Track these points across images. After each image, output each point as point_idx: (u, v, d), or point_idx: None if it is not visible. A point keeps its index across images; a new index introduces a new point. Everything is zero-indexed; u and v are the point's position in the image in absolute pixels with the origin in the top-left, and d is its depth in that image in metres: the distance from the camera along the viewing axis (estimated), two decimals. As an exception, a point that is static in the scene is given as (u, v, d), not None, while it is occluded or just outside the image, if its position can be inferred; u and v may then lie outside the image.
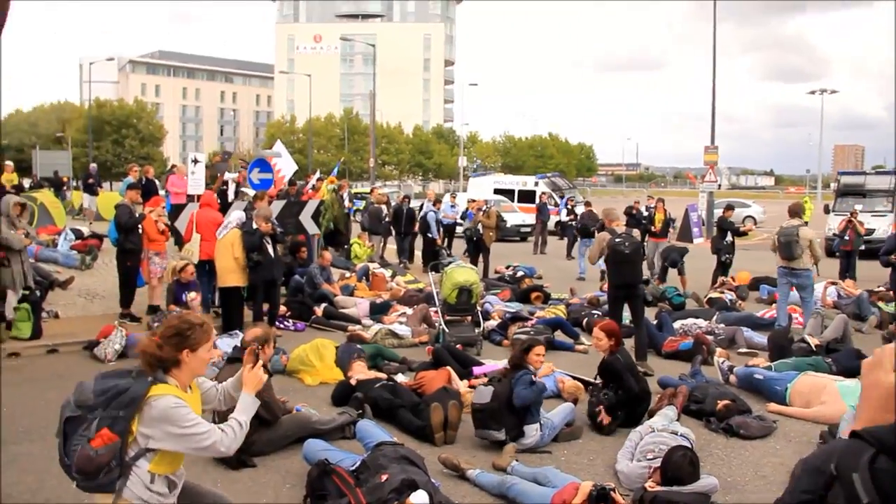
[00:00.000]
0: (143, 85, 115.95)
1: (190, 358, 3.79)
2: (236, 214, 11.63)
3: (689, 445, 6.10)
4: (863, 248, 19.33)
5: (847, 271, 17.86)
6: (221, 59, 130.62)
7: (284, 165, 17.32)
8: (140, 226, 11.67)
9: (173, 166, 19.67)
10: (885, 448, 1.16)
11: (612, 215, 10.46)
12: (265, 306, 11.43)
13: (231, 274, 11.00)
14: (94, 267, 15.67)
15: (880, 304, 14.00)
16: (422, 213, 20.06)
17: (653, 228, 18.91)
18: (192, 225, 12.35)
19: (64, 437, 3.69)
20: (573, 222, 25.01)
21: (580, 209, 30.59)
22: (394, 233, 20.75)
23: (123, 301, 11.77)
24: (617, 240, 9.65)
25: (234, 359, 6.72)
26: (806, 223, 12.20)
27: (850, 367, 9.01)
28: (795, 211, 12.23)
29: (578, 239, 20.63)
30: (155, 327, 10.66)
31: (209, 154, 23.65)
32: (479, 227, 18.60)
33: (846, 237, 18.39)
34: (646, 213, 24.41)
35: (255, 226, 11.03)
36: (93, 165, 28.24)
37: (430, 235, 20.04)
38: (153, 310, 11.79)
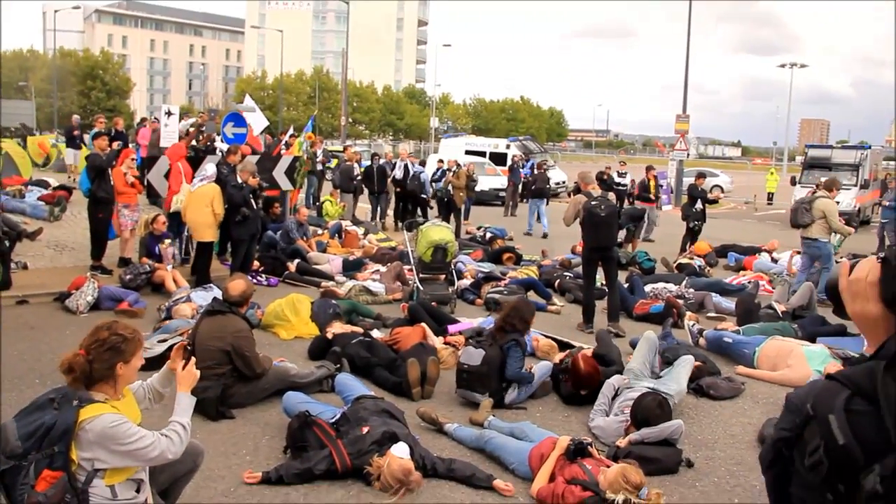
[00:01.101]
0: (109, 35, 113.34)
1: (124, 370, 3.70)
2: (211, 167, 11.55)
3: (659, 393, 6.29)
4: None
5: None
6: (191, 11, 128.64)
7: (255, 120, 17.15)
8: (111, 176, 11.51)
9: (143, 119, 19.41)
10: (861, 391, 1.19)
11: (587, 178, 10.50)
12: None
13: (209, 228, 10.97)
14: (62, 218, 15.50)
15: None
16: (413, 173, 19.88)
17: (650, 196, 19.58)
18: (180, 176, 12.23)
19: (5, 490, 3.49)
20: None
21: (553, 173, 30.84)
22: (366, 192, 20.61)
23: (94, 253, 11.65)
24: (593, 202, 9.70)
25: (213, 311, 6.72)
26: (834, 199, 12.43)
27: (815, 332, 9.25)
28: (827, 185, 12.55)
29: (528, 199, 21.50)
30: (127, 280, 10.64)
31: (182, 108, 23.25)
32: (450, 187, 18.68)
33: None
34: (618, 179, 24.69)
35: (240, 180, 10.98)
36: (75, 117, 27.42)
37: (423, 196, 19.93)
38: (124, 262, 11.69)
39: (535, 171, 22.94)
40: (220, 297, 7.06)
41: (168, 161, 12.50)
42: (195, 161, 12.67)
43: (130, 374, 3.78)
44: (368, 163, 20.64)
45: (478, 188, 22.66)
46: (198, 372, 4.07)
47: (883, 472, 1.07)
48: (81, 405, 3.51)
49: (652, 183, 19.76)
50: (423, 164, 23.30)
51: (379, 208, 19.90)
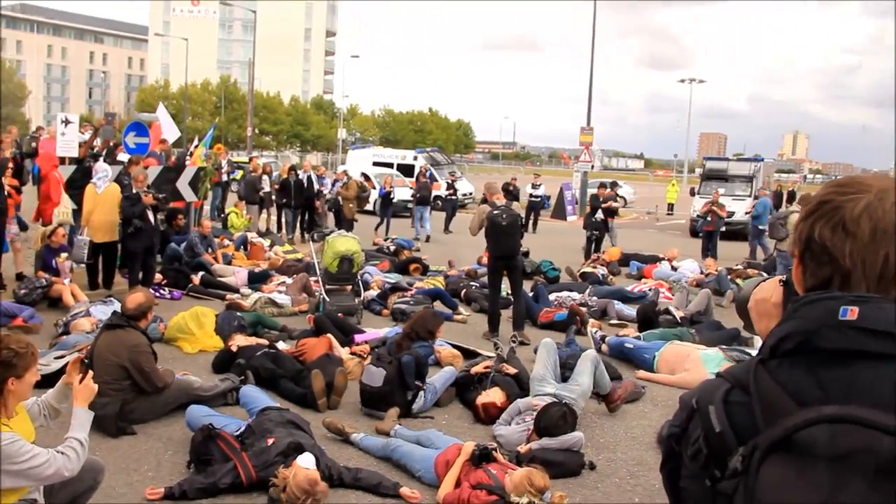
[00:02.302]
0: (2, 40, 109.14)
1: (16, 385, 3.58)
2: (103, 166, 11.49)
3: (565, 403, 6.42)
4: (723, 229, 20.47)
5: (708, 250, 18.86)
6: (91, 17, 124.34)
7: (167, 129, 16.80)
8: (6, 187, 11.10)
9: (39, 128, 18.79)
10: (739, 383, 1.28)
11: (492, 189, 10.69)
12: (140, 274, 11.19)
13: (113, 230, 10.88)
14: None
15: (738, 280, 14.88)
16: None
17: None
18: (59, 186, 11.93)
19: None
20: (453, 196, 25.48)
21: (461, 184, 31.11)
22: (275, 204, 20.36)
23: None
24: (495, 212, 9.87)
25: (111, 326, 6.57)
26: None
27: (711, 337, 9.61)
28: (802, 200, 13.18)
29: (414, 206, 22.32)
30: (21, 295, 10.27)
31: (81, 116, 22.50)
32: (340, 199, 18.75)
33: (708, 218, 19.45)
34: (531, 191, 25.28)
35: (135, 191, 10.76)
36: None
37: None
38: (20, 277, 11.29)
39: (420, 180, 23.52)
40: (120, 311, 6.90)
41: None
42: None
43: (23, 390, 3.66)
44: (284, 175, 20.33)
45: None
46: (95, 386, 3.98)
47: (743, 452, 1.17)
48: None
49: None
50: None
51: (296, 221, 19.61)
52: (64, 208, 11.65)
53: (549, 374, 7.20)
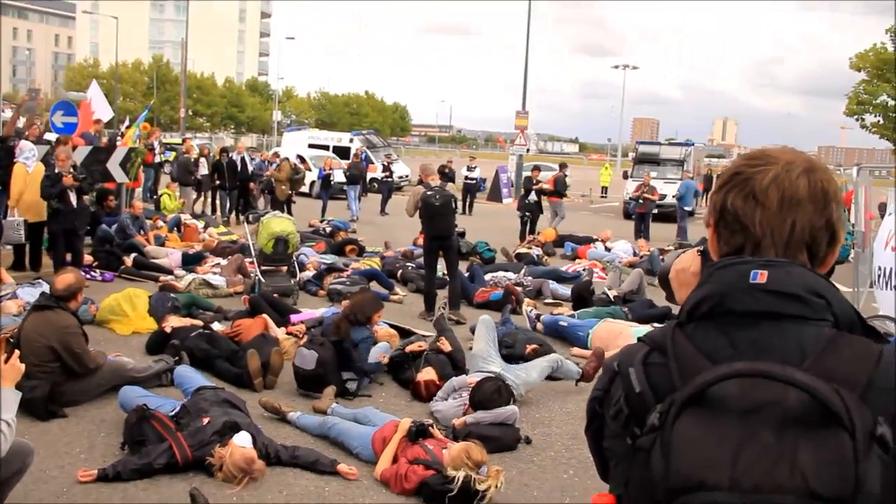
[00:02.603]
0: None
1: None
2: (28, 145, 11.39)
3: (502, 379, 6.50)
4: (655, 211, 20.89)
5: (641, 232, 19.23)
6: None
7: (100, 109, 16.39)
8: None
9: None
10: (657, 346, 1.34)
11: (427, 170, 10.74)
12: (67, 256, 10.93)
13: (42, 210, 10.80)
14: None
15: (670, 260, 15.21)
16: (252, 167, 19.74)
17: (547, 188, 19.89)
18: None
19: None
20: (389, 179, 25.47)
21: (397, 167, 31.11)
22: (210, 186, 20.11)
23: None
24: (429, 193, 9.91)
25: (39, 307, 6.43)
26: None
27: (644, 314, 9.84)
28: None
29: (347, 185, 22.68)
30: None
31: (5, 96, 21.77)
32: (273, 181, 18.73)
33: (640, 201, 19.83)
34: (467, 173, 25.46)
35: (56, 170, 10.50)
36: None
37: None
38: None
39: (352, 160, 24.18)
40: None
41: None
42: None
43: None
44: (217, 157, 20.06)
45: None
46: (22, 366, 3.89)
47: (661, 409, 1.23)
48: None
49: (564, 180, 20.52)
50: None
51: (231, 203, 19.36)
52: None
53: (494, 352, 7.30)
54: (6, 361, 3.81)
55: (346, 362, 6.94)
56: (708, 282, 1.35)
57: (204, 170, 19.67)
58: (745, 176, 1.38)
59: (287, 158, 20.16)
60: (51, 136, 13.96)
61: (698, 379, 1.20)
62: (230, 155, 19.25)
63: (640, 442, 1.25)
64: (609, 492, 1.39)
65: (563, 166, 21.36)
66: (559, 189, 20.04)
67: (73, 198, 10.62)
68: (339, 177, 24.00)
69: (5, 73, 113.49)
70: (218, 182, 19.10)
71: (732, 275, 1.31)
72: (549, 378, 7.60)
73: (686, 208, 20.89)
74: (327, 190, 21.92)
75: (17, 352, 3.89)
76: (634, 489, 1.27)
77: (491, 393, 6.16)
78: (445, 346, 7.53)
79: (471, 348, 8.03)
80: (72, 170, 10.74)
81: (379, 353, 7.23)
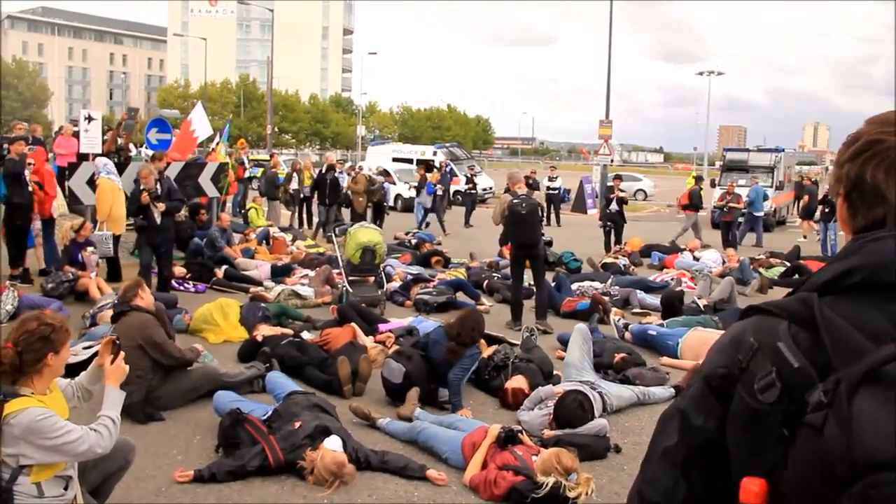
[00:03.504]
0: (24, 43, 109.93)
1: (53, 361, 3.63)
2: (104, 160, 11.90)
3: (585, 391, 6.42)
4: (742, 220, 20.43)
5: (729, 240, 18.79)
6: (110, 19, 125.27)
7: (200, 126, 16.88)
8: (30, 182, 11.22)
9: (61, 127, 18.94)
10: (796, 319, 1.26)
11: (515, 178, 10.71)
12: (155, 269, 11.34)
13: (113, 222, 11.17)
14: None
15: (761, 269, 14.87)
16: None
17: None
18: (53, 179, 12.15)
19: None
20: (472, 191, 25.51)
21: (481, 179, 31.20)
22: (315, 202, 20.51)
23: (12, 261, 11.36)
24: (515, 201, 9.88)
25: (117, 315, 6.62)
26: None
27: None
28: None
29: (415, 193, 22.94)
30: (49, 289, 10.39)
31: (103, 117, 22.53)
32: (350, 193, 18.95)
33: (725, 209, 19.43)
34: (548, 184, 25.39)
35: (142, 187, 10.72)
36: None
37: (385, 203, 20.84)
38: (44, 272, 11.43)
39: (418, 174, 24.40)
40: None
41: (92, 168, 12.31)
42: (117, 166, 12.47)
43: (60, 365, 3.72)
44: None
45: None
46: (126, 367, 4.02)
47: (824, 387, 1.18)
48: (6, 399, 3.44)
49: (701, 192, 20.51)
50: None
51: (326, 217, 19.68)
52: (60, 201, 11.79)
53: (588, 362, 7.22)
54: (112, 363, 3.95)
55: (437, 376, 6.94)
56: (857, 253, 1.28)
57: (295, 184, 20.09)
58: (887, 145, 1.30)
59: (361, 169, 20.46)
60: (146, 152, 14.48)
61: (872, 357, 1.14)
62: (335, 172, 19.62)
63: (810, 419, 1.18)
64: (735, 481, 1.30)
65: (699, 179, 21.20)
66: (694, 202, 19.85)
67: (156, 215, 10.75)
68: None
69: (104, 97, 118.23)
70: (317, 198, 19.50)
71: (890, 246, 1.24)
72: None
73: (756, 214, 20.43)
74: (436, 203, 22.13)
75: (122, 353, 4.01)
76: (799, 470, 1.20)
77: (574, 409, 6.07)
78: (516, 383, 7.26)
79: (561, 359, 8.00)
80: (157, 187, 10.83)
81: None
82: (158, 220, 10.78)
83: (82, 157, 13.08)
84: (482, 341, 8.52)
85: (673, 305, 10.50)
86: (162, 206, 10.71)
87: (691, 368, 7.76)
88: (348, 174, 20.27)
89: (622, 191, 18.54)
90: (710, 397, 1.34)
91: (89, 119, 13.20)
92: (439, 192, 22.23)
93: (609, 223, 17.84)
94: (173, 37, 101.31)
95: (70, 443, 3.52)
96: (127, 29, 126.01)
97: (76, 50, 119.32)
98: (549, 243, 14.13)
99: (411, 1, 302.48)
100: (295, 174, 20.24)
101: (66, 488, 3.66)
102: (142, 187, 10.67)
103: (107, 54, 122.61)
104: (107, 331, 8.24)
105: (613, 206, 17.78)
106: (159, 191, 10.76)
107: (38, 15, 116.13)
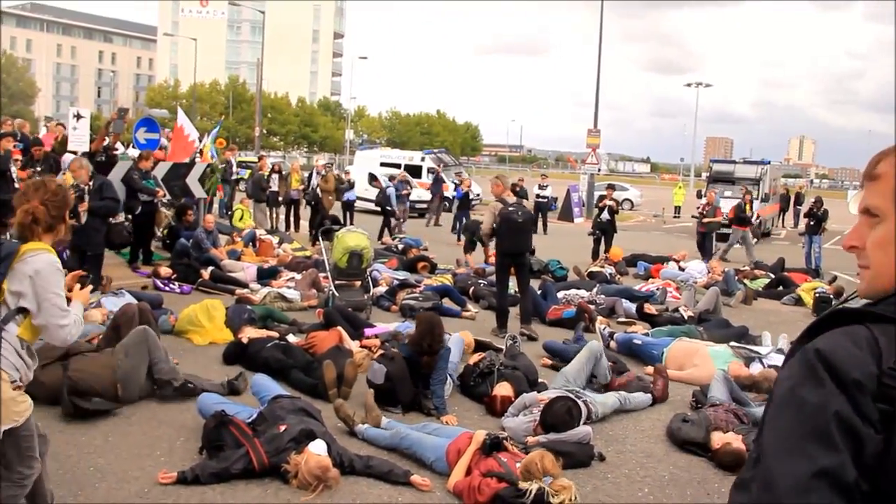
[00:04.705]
0: (12, 38, 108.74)
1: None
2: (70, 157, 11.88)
3: (574, 398, 6.45)
4: (730, 231, 20.48)
5: (706, 250, 18.75)
6: (100, 16, 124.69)
7: (191, 129, 16.83)
8: (17, 179, 11.13)
9: (47, 119, 18.95)
10: None
11: (504, 183, 10.64)
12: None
13: None
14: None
15: (746, 281, 14.98)
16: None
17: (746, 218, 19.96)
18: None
19: None
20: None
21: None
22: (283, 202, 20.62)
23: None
24: (510, 209, 9.86)
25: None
26: None
27: (719, 334, 9.64)
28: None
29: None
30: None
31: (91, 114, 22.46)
32: (319, 191, 19.20)
33: (702, 220, 19.48)
34: (538, 192, 25.46)
35: (71, 183, 9.98)
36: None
37: (388, 209, 20.90)
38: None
39: (398, 179, 24.34)
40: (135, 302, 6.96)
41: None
42: (104, 165, 12.41)
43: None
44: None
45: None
46: (88, 291, 4.16)
47: None
48: (27, 241, 3.66)
49: (748, 206, 20.30)
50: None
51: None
52: None
53: (583, 377, 7.23)
54: (80, 290, 4.07)
55: (420, 378, 6.94)
56: None
57: (275, 186, 20.08)
58: None
59: (330, 167, 20.64)
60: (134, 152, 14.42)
61: None
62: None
63: None
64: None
65: (747, 193, 21.21)
66: (740, 216, 19.76)
67: (81, 214, 9.97)
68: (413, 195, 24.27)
69: (92, 94, 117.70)
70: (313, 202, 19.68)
71: None
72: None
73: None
74: (465, 210, 22.25)
75: (89, 286, 4.21)
76: None
77: (562, 414, 6.10)
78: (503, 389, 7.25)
79: (546, 366, 8.05)
80: (89, 184, 10.11)
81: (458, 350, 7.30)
82: (83, 219, 10.01)
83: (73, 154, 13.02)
84: (469, 346, 8.59)
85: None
86: (84, 205, 9.90)
87: (676, 378, 7.82)
88: (318, 172, 20.26)
89: (615, 200, 18.60)
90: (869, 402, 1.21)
91: (78, 117, 13.14)
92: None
93: (598, 231, 17.90)
94: (163, 36, 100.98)
95: (61, 308, 3.66)
96: (117, 27, 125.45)
97: (65, 47, 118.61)
98: (532, 251, 14.18)
99: (403, 4, 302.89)
100: (275, 175, 20.22)
101: (32, 360, 3.76)
102: (71, 182, 9.93)
103: (96, 52, 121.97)
104: (91, 329, 8.22)
105: (605, 216, 17.84)
106: (88, 188, 10.00)
107: (27, 11, 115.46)
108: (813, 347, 1.26)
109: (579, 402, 6.51)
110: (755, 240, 20.91)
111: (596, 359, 7.52)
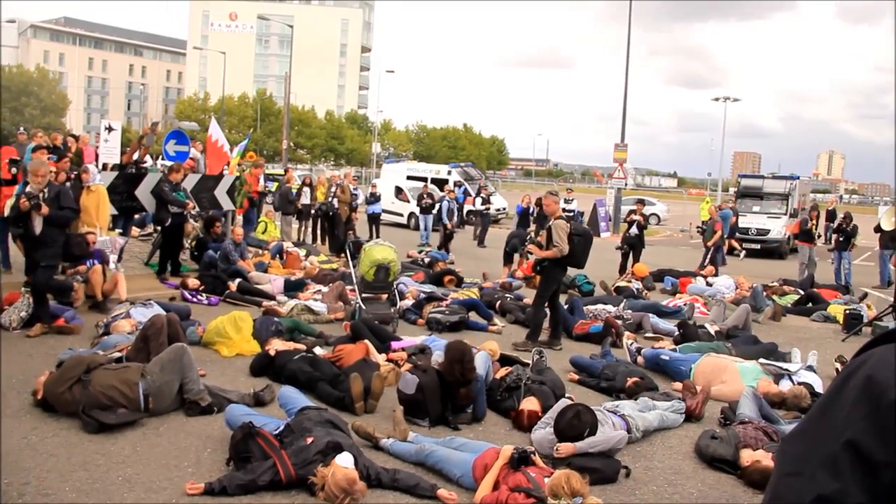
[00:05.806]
0: (45, 52, 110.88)
1: None
2: (91, 167, 12.17)
3: (585, 405, 6.39)
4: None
5: (704, 262, 18.43)
6: (131, 30, 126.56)
7: (222, 138, 17.00)
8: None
9: (77, 136, 19.14)
10: None
11: (557, 199, 10.62)
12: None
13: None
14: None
15: (774, 297, 14.83)
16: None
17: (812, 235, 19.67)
18: None
19: None
20: (487, 210, 25.63)
21: (495, 199, 31.32)
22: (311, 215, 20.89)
23: (28, 268, 11.38)
24: (585, 227, 9.95)
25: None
26: None
27: (748, 350, 9.53)
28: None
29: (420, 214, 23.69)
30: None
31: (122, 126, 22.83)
32: (335, 202, 19.70)
33: (704, 229, 19.23)
34: (564, 205, 25.43)
35: (28, 188, 8.94)
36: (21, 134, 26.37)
37: (443, 221, 21.52)
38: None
39: (422, 191, 24.94)
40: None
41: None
42: (134, 178, 12.56)
43: None
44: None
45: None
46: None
47: None
48: None
49: (813, 223, 20.02)
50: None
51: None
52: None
53: (637, 407, 7.16)
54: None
55: (451, 396, 6.93)
56: None
57: (307, 199, 20.23)
58: None
59: (346, 178, 21.20)
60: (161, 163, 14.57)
61: None
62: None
63: None
64: None
65: (812, 209, 21.09)
66: (805, 231, 19.46)
67: (36, 224, 8.92)
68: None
69: (122, 107, 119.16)
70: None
71: None
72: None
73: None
74: (525, 225, 22.42)
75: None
76: None
77: (570, 419, 5.99)
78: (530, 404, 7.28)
79: (573, 381, 8.00)
80: (44, 191, 8.92)
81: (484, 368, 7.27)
82: (38, 229, 8.95)
83: (103, 167, 13.21)
84: (496, 362, 8.52)
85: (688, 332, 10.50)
86: (45, 210, 8.78)
87: (701, 391, 7.73)
88: (336, 184, 20.60)
89: (643, 215, 18.46)
90: None
91: (109, 129, 13.31)
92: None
93: (626, 246, 17.80)
94: (193, 50, 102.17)
95: None
96: (147, 41, 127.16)
97: (96, 60, 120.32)
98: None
99: (431, 18, 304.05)
100: (306, 189, 20.40)
101: None
102: (28, 188, 8.94)
103: (126, 65, 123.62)
104: (120, 340, 8.30)
105: (634, 230, 17.78)
106: (44, 196, 8.88)
107: (60, 25, 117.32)
108: (857, 363, 1.24)
109: (613, 415, 6.47)
110: (785, 255, 20.61)
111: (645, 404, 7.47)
